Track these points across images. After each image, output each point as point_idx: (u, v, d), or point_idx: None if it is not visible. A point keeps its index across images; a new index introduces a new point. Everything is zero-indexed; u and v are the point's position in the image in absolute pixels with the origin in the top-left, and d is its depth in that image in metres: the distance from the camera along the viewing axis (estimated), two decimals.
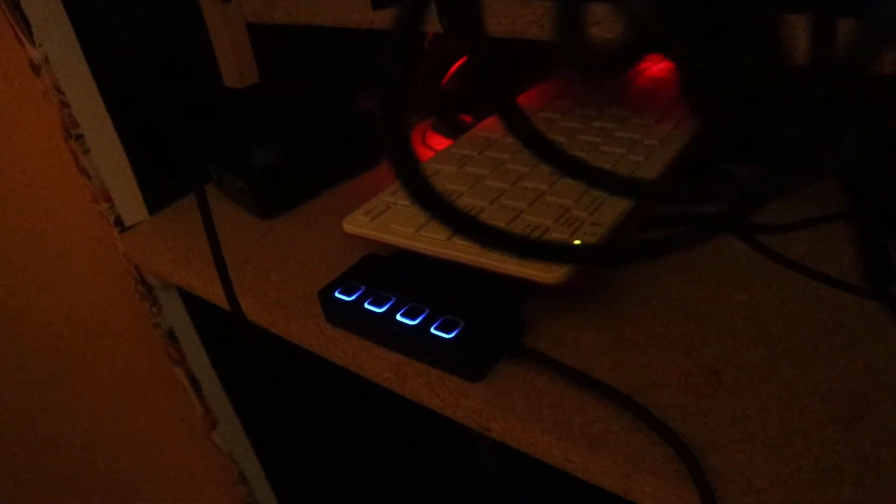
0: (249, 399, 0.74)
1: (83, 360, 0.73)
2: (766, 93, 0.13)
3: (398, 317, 0.39)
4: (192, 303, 0.65)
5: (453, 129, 0.59)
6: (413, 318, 0.38)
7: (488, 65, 0.20)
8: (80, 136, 0.55)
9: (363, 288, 0.41)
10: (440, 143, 0.59)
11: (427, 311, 0.39)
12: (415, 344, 0.39)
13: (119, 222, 0.59)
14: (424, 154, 0.58)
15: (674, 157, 0.47)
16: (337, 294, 0.42)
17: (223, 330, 0.68)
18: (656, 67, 0.59)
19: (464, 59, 0.60)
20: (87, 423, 0.75)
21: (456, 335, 0.37)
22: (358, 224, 0.44)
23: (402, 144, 0.18)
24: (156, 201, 0.61)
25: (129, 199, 0.59)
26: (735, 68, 0.12)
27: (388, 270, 0.43)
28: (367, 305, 0.40)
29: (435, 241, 0.41)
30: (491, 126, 0.54)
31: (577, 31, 0.17)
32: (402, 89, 0.19)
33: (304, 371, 0.61)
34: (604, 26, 0.36)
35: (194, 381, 0.69)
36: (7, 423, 0.69)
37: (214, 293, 0.52)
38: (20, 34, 0.50)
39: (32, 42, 0.51)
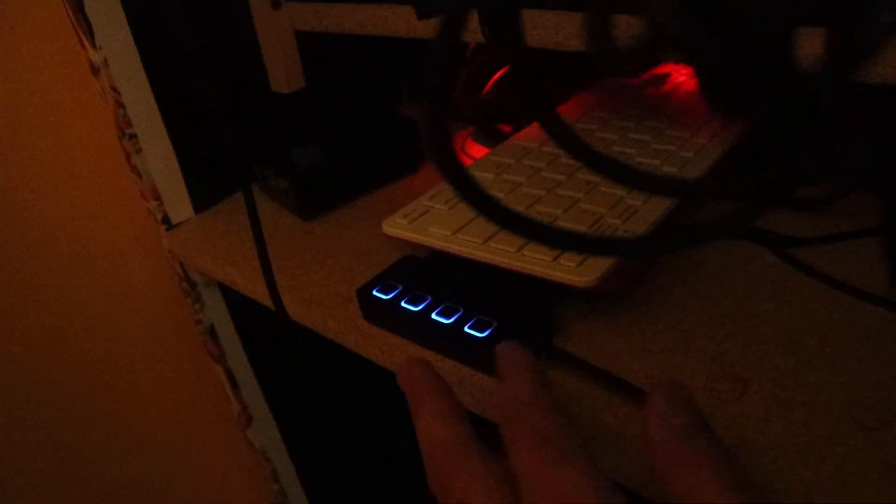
0: (284, 398, 0.75)
1: (126, 352, 0.76)
2: (775, 100, 0.14)
3: (433, 315, 0.40)
4: (233, 301, 0.67)
5: (492, 138, 0.61)
6: (448, 317, 0.40)
7: (529, 74, 0.21)
8: (133, 136, 0.57)
9: (400, 287, 0.43)
10: (479, 151, 0.61)
11: (461, 310, 0.40)
12: (449, 342, 0.40)
13: (166, 220, 0.61)
14: (464, 161, 0.59)
15: (708, 168, 0.48)
16: (375, 292, 0.43)
17: (262, 329, 0.70)
18: (692, 82, 0.60)
19: (504, 69, 0.62)
20: (125, 415, 0.78)
21: (488, 334, 0.38)
22: (397, 226, 0.46)
23: (445, 144, 0.20)
24: (201, 201, 0.63)
25: (177, 198, 0.61)
26: (747, 70, 0.13)
27: (425, 271, 0.44)
28: (403, 304, 0.42)
29: (471, 244, 0.42)
30: (529, 136, 0.55)
31: (606, 39, 0.18)
32: (442, 92, 0.21)
33: (339, 372, 0.63)
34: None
35: (232, 378, 0.70)
36: (49, 411, 0.71)
37: (256, 290, 0.53)
38: (82, 37, 0.53)
39: (93, 45, 0.53)
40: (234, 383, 0.71)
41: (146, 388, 0.79)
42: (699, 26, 0.13)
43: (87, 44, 0.54)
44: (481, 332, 0.38)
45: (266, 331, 0.70)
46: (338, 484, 0.87)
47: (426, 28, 0.49)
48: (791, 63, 0.13)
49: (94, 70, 0.55)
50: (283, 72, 0.62)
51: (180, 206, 0.62)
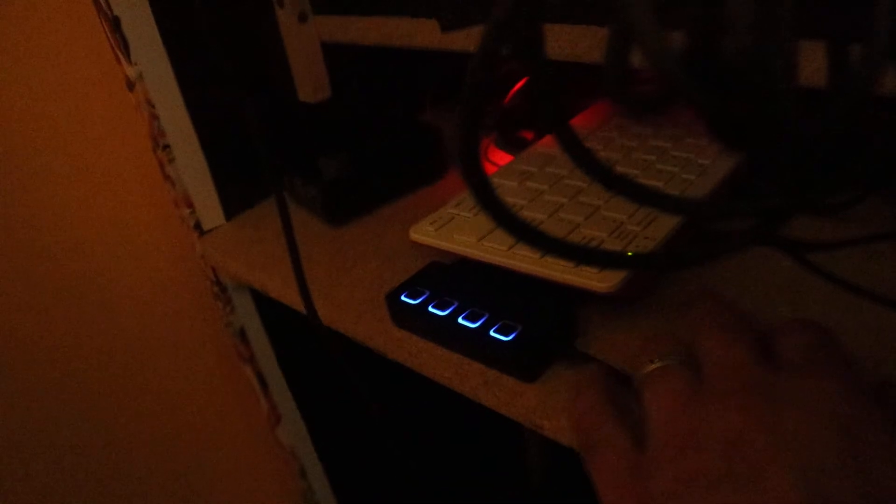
0: (312, 397, 0.77)
1: (158, 354, 0.78)
2: (783, 131, 0.15)
3: (460, 320, 0.42)
4: (263, 304, 0.69)
5: (514, 145, 0.62)
6: (474, 322, 0.41)
7: (546, 88, 0.23)
8: (166, 146, 0.59)
9: (427, 292, 0.45)
10: (502, 158, 0.62)
11: (487, 315, 0.41)
12: (475, 345, 0.41)
13: (198, 226, 0.63)
14: (487, 169, 0.61)
15: (725, 176, 0.49)
16: (403, 297, 0.45)
17: (290, 331, 0.72)
18: None
19: (526, 78, 0.63)
20: (157, 413, 0.80)
21: (513, 338, 0.39)
22: (424, 233, 0.48)
23: (475, 165, 0.21)
24: (232, 208, 0.65)
25: (209, 205, 0.63)
26: (751, 121, 0.15)
27: (451, 277, 0.46)
28: (431, 309, 0.43)
29: (496, 251, 0.44)
30: (550, 143, 0.57)
31: (624, 84, 0.20)
32: (478, 114, 0.22)
33: (366, 373, 0.65)
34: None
35: (262, 379, 0.72)
36: (82, 408, 0.74)
37: (287, 295, 0.55)
38: (119, 53, 0.55)
39: (129, 61, 0.55)
40: (263, 383, 0.73)
41: (178, 388, 0.81)
42: (702, 81, 0.15)
43: (123, 60, 0.56)
44: (506, 335, 0.40)
45: (294, 333, 0.72)
46: (363, 480, 0.89)
47: (449, 40, 0.50)
48: (792, 117, 0.15)
49: (130, 84, 0.57)
50: (310, 82, 0.64)
51: (212, 212, 0.64)
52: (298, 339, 0.73)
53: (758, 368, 0.29)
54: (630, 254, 0.40)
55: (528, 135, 0.63)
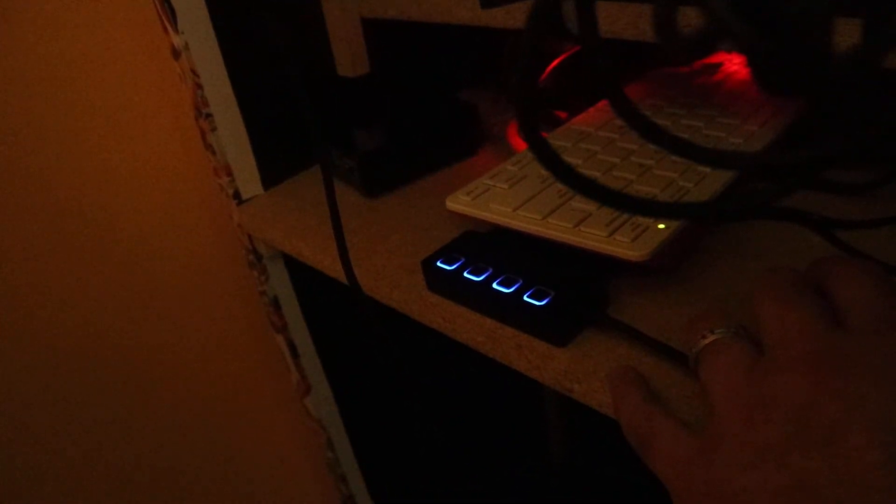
0: (342, 369, 0.79)
1: (192, 321, 0.80)
2: (816, 82, 0.16)
3: (494, 285, 0.43)
4: (296, 274, 0.71)
5: (549, 123, 0.63)
6: (508, 287, 0.43)
7: (602, 56, 0.24)
8: (209, 115, 0.61)
9: (463, 259, 0.46)
10: None
11: (521, 281, 0.43)
12: (508, 310, 0.43)
13: (237, 195, 0.65)
14: (522, 145, 0.62)
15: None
16: (439, 263, 0.46)
17: (323, 302, 0.74)
18: (744, 71, 0.62)
19: (561, 57, 0.64)
20: (188, 380, 0.82)
21: (546, 303, 0.41)
22: (460, 202, 0.49)
23: (533, 124, 0.22)
24: (270, 177, 0.67)
25: (248, 174, 0.65)
26: (791, 58, 0.16)
27: (486, 245, 0.47)
28: (466, 274, 0.45)
29: (530, 220, 0.45)
30: (584, 121, 0.58)
31: (671, 28, 0.21)
32: (533, 77, 0.23)
33: (401, 345, 0.66)
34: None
35: (293, 348, 0.74)
36: (114, 374, 0.76)
37: (322, 261, 0.57)
38: (166, 22, 0.57)
39: (176, 30, 0.57)
40: (294, 353, 0.75)
41: (210, 355, 0.83)
42: (751, 19, 0.16)
43: (170, 29, 0.57)
44: (539, 300, 0.41)
45: (327, 304, 0.74)
46: (390, 453, 0.91)
47: (489, 17, 0.52)
48: (828, 49, 0.16)
49: (176, 53, 0.59)
50: (349, 57, 0.65)
51: (251, 182, 0.65)
52: (330, 310, 0.75)
53: (820, 333, 0.29)
54: (662, 226, 0.42)
55: (563, 114, 0.64)
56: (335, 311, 0.75)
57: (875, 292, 0.30)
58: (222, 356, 0.84)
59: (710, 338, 0.34)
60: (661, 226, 0.42)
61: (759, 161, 0.22)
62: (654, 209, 0.23)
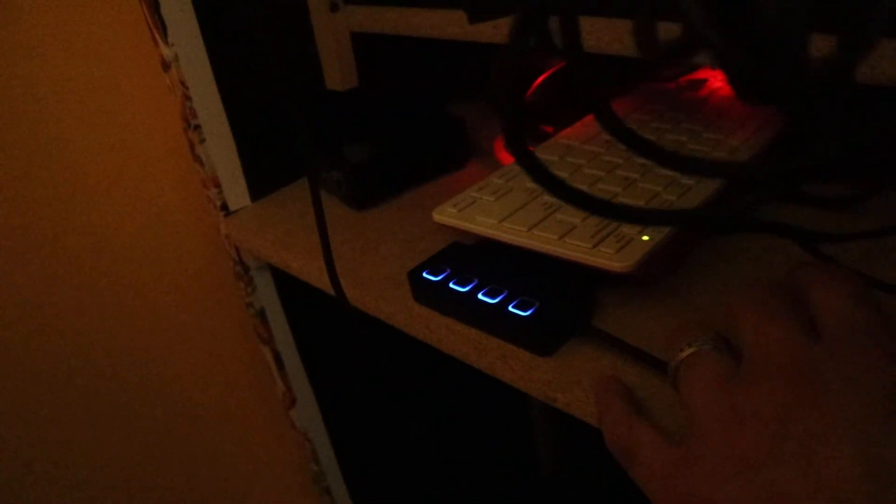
0: (327, 381, 0.79)
1: (178, 332, 0.80)
2: (791, 95, 0.17)
3: (480, 296, 0.43)
4: (283, 286, 0.71)
5: (535, 138, 0.64)
6: (493, 298, 0.43)
7: (587, 71, 0.24)
8: (197, 126, 0.61)
9: (448, 270, 0.46)
10: None
11: (506, 292, 0.43)
12: (493, 320, 0.43)
13: (224, 207, 0.65)
14: (509, 159, 0.63)
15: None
16: (425, 274, 0.46)
17: (309, 314, 0.74)
18: (718, 94, 0.63)
19: (548, 72, 0.65)
20: (173, 391, 0.82)
21: (531, 313, 0.41)
22: (447, 214, 0.49)
23: (519, 137, 0.23)
24: (258, 190, 0.67)
25: (235, 186, 0.65)
26: (767, 70, 0.16)
27: (472, 256, 0.48)
28: (451, 285, 0.45)
29: (516, 232, 0.45)
30: (570, 135, 0.58)
31: (651, 40, 0.21)
32: (518, 90, 0.24)
33: (386, 356, 0.66)
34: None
35: (279, 360, 0.74)
36: (98, 382, 0.75)
37: (310, 273, 0.57)
38: (156, 34, 0.57)
39: (166, 41, 0.57)
40: (280, 365, 0.74)
41: (196, 366, 0.83)
42: (727, 31, 0.16)
43: (160, 41, 0.58)
44: (524, 311, 0.41)
45: (313, 315, 0.74)
46: (375, 466, 0.91)
47: (477, 31, 0.52)
48: (804, 62, 0.16)
49: (165, 65, 0.59)
50: (338, 71, 0.66)
51: (238, 193, 0.66)
52: (317, 322, 0.75)
53: (797, 344, 0.29)
54: (646, 238, 0.42)
55: (549, 128, 0.65)
56: (322, 324, 0.75)
57: (852, 302, 0.30)
58: (208, 367, 0.84)
59: (688, 350, 0.34)
60: (646, 237, 0.42)
61: (745, 170, 0.23)
62: (642, 217, 0.23)
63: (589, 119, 0.61)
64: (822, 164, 0.20)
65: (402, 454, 0.93)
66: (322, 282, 0.56)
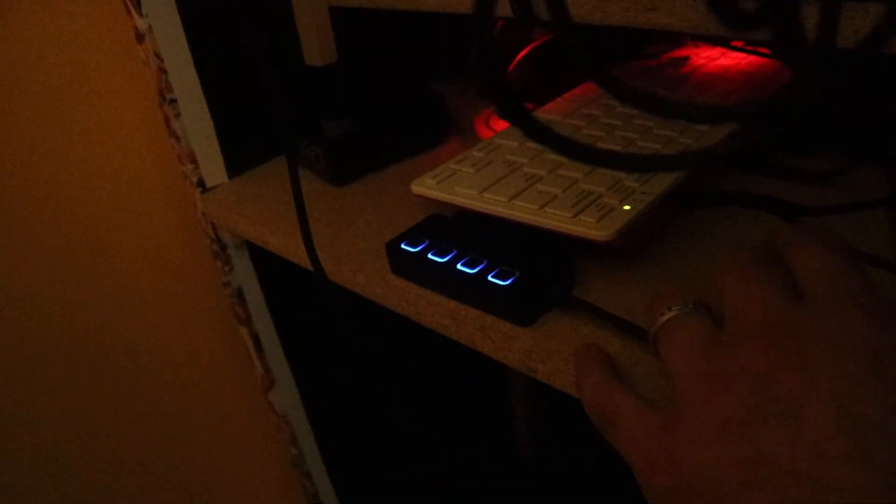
0: (306, 363, 0.78)
1: (154, 313, 0.79)
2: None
3: (458, 266, 0.43)
4: (261, 265, 0.70)
5: None
6: (472, 268, 0.42)
7: (577, 43, 0.24)
8: (173, 101, 0.60)
9: (427, 241, 0.45)
10: (504, 126, 0.63)
11: (485, 262, 0.42)
12: (473, 290, 0.42)
13: (201, 183, 0.64)
14: (488, 135, 0.62)
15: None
16: (403, 245, 0.46)
17: (287, 294, 0.73)
18: (701, 71, 0.62)
19: (528, 49, 0.64)
20: (149, 372, 0.81)
21: (511, 283, 0.40)
22: (426, 186, 0.49)
23: (498, 81, 0.22)
24: (235, 166, 0.66)
25: (212, 162, 0.64)
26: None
27: (451, 228, 0.47)
28: (430, 256, 0.44)
29: (496, 202, 0.45)
30: (550, 110, 0.58)
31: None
32: (493, 46, 0.23)
33: (365, 334, 0.66)
34: None
35: (257, 341, 0.73)
36: (73, 365, 0.74)
37: (288, 249, 0.56)
38: (129, 5, 0.56)
39: (140, 12, 0.56)
40: (258, 346, 0.73)
41: (172, 348, 0.82)
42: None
43: (133, 11, 0.56)
44: (504, 280, 0.41)
45: (292, 295, 0.73)
46: (356, 449, 0.90)
47: (457, 4, 0.51)
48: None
49: (140, 37, 0.58)
50: (317, 46, 0.64)
51: (215, 170, 0.64)
52: (296, 302, 0.74)
53: (778, 305, 0.29)
54: (627, 208, 0.41)
55: (529, 106, 0.64)
56: (300, 304, 0.74)
57: (833, 261, 0.30)
58: (185, 349, 0.83)
59: (668, 315, 0.34)
60: (627, 207, 0.42)
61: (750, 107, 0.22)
62: (650, 164, 0.23)
63: (570, 94, 0.61)
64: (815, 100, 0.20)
65: (383, 437, 0.92)
66: (300, 258, 0.55)
